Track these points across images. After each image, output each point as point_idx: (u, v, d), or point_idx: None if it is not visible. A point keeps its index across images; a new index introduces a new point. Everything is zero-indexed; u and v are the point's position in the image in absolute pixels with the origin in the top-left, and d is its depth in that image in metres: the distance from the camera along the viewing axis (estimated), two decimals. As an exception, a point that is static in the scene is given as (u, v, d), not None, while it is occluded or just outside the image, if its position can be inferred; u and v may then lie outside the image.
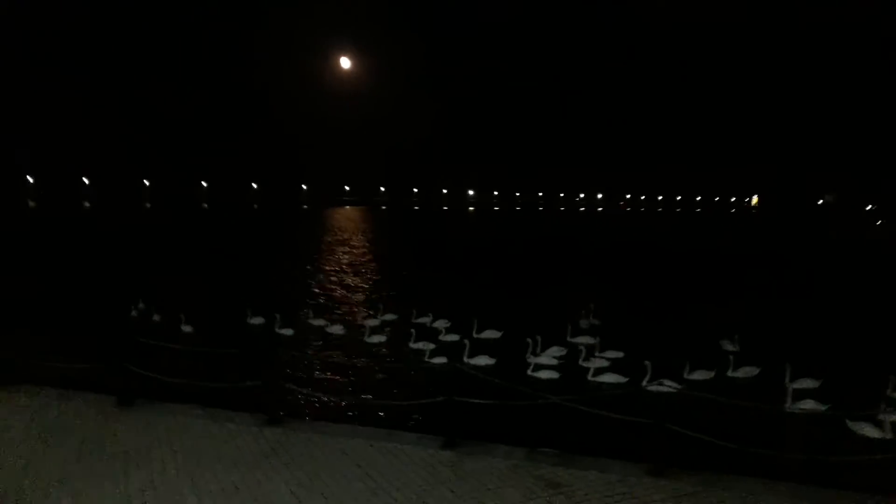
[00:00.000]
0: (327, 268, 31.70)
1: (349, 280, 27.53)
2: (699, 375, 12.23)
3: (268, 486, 6.70)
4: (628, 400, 9.82)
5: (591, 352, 13.67)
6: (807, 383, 11.54)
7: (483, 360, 13.09)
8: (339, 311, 19.97)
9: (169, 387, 9.72)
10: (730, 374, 12.60)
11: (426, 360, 13.34)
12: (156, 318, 17.39)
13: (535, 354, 13.37)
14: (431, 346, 13.94)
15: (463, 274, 29.84)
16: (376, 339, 15.43)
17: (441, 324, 16.32)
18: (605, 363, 12.89)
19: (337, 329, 16.46)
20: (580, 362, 13.01)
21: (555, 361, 13.18)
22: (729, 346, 14.35)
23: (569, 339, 14.86)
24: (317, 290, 24.37)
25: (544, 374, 12.46)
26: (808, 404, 10.40)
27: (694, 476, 6.96)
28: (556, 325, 15.55)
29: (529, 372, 12.56)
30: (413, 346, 14.44)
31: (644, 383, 11.07)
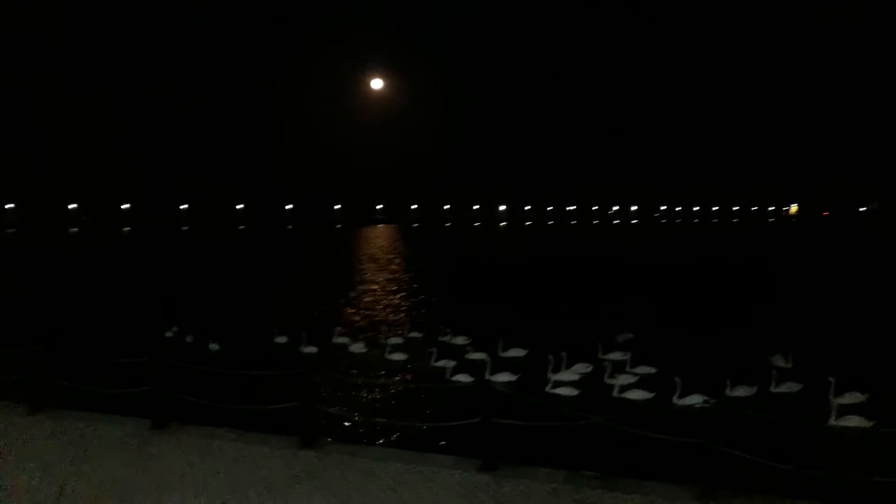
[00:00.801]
0: (355, 286, 31.73)
1: (376, 298, 27.51)
2: (741, 392, 11.79)
3: (300, 512, 6.57)
4: (670, 419, 9.47)
5: (619, 368, 13.30)
6: (852, 398, 11.07)
7: (505, 377, 12.86)
8: (363, 329, 19.89)
9: (202, 409, 9.70)
10: (773, 389, 12.14)
11: (448, 378, 13.15)
12: (189, 339, 17.55)
13: (557, 371, 13.06)
14: (452, 363, 13.77)
15: (492, 291, 29.58)
16: (398, 356, 15.32)
17: (461, 340, 16.18)
18: (632, 379, 12.51)
19: (359, 347, 16.41)
20: (605, 379, 12.67)
21: (576, 378, 12.88)
22: (781, 363, 13.76)
23: (600, 355, 14.48)
24: (344, 309, 24.37)
25: (564, 392, 12.16)
26: (854, 420, 9.94)
27: (745, 500, 6.61)
28: (587, 341, 15.21)
29: (548, 389, 12.26)
30: (435, 364, 14.28)
31: (674, 399, 10.68)
